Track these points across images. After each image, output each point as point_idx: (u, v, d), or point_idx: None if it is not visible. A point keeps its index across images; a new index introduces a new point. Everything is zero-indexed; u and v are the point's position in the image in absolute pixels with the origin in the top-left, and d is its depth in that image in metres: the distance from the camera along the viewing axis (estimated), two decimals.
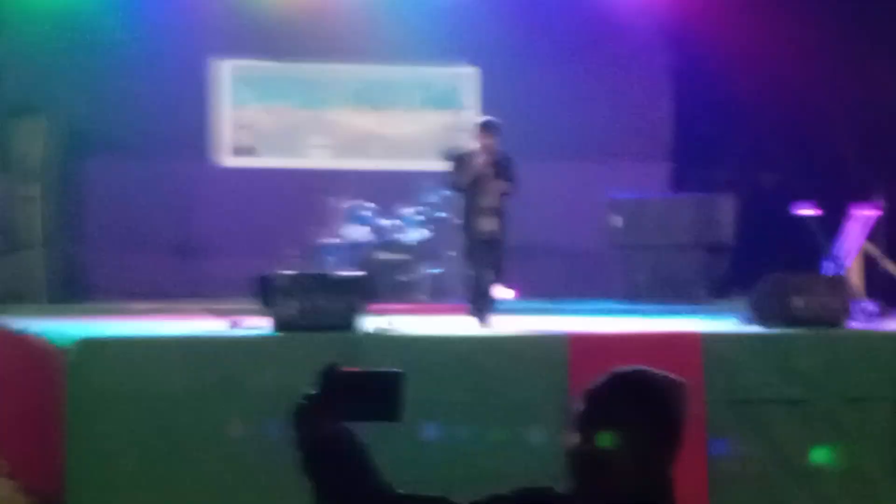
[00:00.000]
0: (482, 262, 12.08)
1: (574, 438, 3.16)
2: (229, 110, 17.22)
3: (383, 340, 9.69)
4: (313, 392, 3.16)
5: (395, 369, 3.18)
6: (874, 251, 13.88)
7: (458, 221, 12.67)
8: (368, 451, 3.23)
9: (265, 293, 9.90)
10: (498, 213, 12.08)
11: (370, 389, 3.15)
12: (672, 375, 3.23)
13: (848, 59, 16.47)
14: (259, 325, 10.12)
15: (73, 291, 15.21)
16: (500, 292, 12.51)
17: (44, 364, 9.45)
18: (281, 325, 9.69)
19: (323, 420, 3.15)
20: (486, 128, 12.25)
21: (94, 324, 11.03)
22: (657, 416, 3.13)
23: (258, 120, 17.30)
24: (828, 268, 13.55)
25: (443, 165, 13.37)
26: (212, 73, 17.13)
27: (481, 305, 11.95)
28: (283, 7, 17.04)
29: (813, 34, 16.51)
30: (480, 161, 11.97)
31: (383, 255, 15.00)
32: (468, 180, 12.02)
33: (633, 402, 3.13)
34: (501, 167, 12.10)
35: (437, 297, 15.09)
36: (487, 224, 12.01)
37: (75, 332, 9.48)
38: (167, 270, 16.38)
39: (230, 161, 17.25)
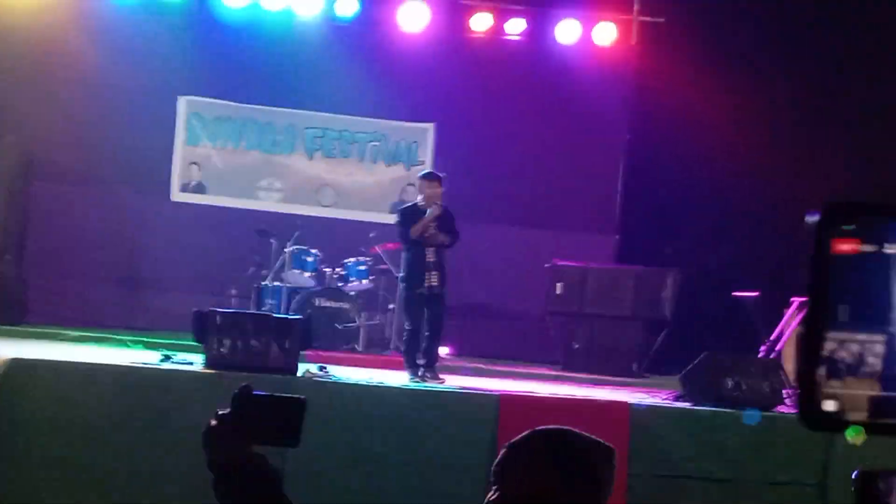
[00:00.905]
0: (422, 316, 12.06)
1: (492, 492, 3.16)
2: (182, 146, 17.18)
3: (315, 385, 9.67)
4: (225, 413, 3.17)
5: (300, 396, 3.24)
6: None
7: (400, 274, 12.65)
8: (280, 481, 3.23)
9: (200, 329, 9.86)
10: (441, 267, 12.06)
11: (276, 414, 3.20)
12: (599, 440, 3.24)
13: (803, 149, 16.61)
14: (191, 360, 10.09)
15: (8, 313, 15.07)
16: (439, 349, 12.48)
17: None
18: (212, 363, 9.65)
19: (232, 441, 3.15)
20: (431, 179, 12.27)
21: (26, 346, 10.94)
22: (573, 476, 3.14)
23: (210, 158, 17.25)
24: (762, 352, 13.63)
25: (391, 218, 13.38)
26: (169, 109, 17.07)
27: (418, 359, 11.91)
28: (244, 49, 17.03)
29: (769, 119, 16.67)
30: (430, 216, 11.95)
31: (323, 302, 14.96)
32: (417, 233, 12.01)
33: (549, 459, 3.14)
34: (445, 220, 12.11)
35: (372, 348, 15.09)
36: (431, 279, 11.99)
37: (6, 351, 9.40)
38: (106, 300, 16.28)
39: (179, 197, 17.18)
